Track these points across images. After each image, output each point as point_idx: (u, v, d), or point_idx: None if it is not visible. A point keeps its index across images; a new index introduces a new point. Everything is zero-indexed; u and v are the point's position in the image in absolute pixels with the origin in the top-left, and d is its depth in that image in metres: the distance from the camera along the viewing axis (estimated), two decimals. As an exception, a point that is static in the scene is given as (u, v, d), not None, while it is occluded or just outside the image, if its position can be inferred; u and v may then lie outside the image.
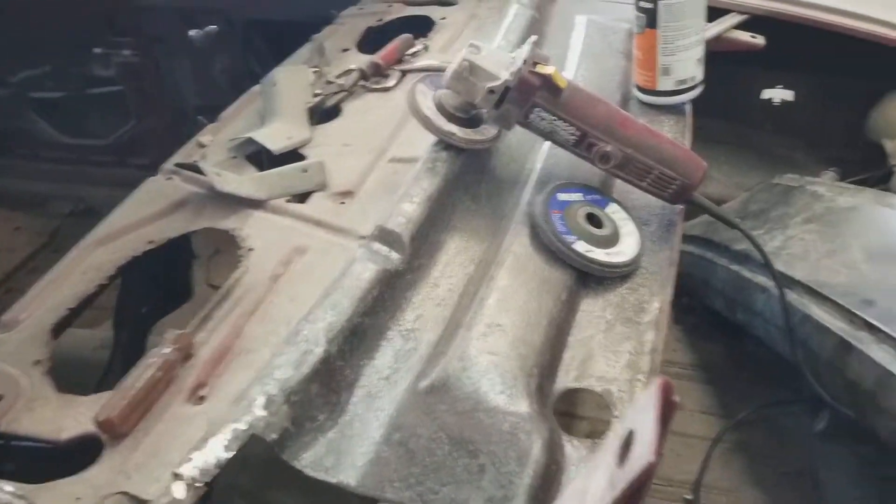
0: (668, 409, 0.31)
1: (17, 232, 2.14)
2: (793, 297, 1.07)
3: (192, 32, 1.80)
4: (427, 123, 0.81)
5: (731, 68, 1.73)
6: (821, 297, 1.03)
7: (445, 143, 0.82)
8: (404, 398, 0.61)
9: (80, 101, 2.10)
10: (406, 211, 0.73)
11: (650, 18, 0.98)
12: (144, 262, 0.84)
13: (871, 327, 0.93)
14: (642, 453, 0.30)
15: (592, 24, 1.25)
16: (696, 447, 1.22)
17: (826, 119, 1.76)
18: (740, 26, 1.47)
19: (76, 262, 0.84)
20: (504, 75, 0.78)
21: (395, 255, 0.70)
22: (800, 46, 1.54)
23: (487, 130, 0.84)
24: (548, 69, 0.78)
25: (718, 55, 1.48)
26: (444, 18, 1.36)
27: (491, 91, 0.78)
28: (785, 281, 1.11)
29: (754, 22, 1.48)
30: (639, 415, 0.32)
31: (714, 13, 1.46)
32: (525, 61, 0.78)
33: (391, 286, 0.68)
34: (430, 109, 0.82)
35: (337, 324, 0.62)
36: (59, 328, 0.75)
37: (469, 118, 0.83)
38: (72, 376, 0.70)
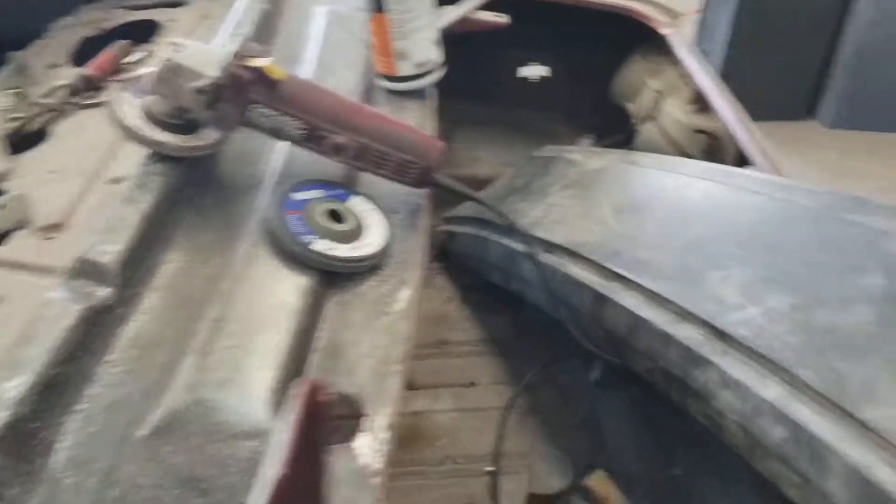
0: (315, 411, 0.28)
1: None
2: (554, 259, 1.12)
3: None
4: (131, 134, 0.72)
5: (491, 51, 1.80)
6: (577, 257, 1.08)
7: (159, 155, 0.74)
8: (122, 449, 0.53)
9: None
10: (113, 238, 0.64)
11: (377, 2, 0.96)
12: None
13: (619, 277, 0.99)
14: (275, 465, 0.26)
15: (333, 14, 1.22)
16: (493, 419, 1.24)
17: (579, 90, 1.89)
18: (485, 7, 1.52)
19: None
20: (212, 73, 0.71)
21: (101, 290, 0.61)
22: (547, 23, 1.62)
23: (208, 135, 0.77)
24: (260, 62, 0.73)
25: (475, 40, 1.52)
26: (172, 20, 1.25)
27: (199, 91, 0.71)
28: (546, 246, 1.15)
29: (498, 2, 1.54)
30: (283, 422, 0.28)
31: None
32: (235, 55, 0.72)
33: (97, 324, 0.59)
34: (135, 119, 0.73)
35: (27, 381, 0.52)
36: None
37: (184, 124, 0.76)
38: None
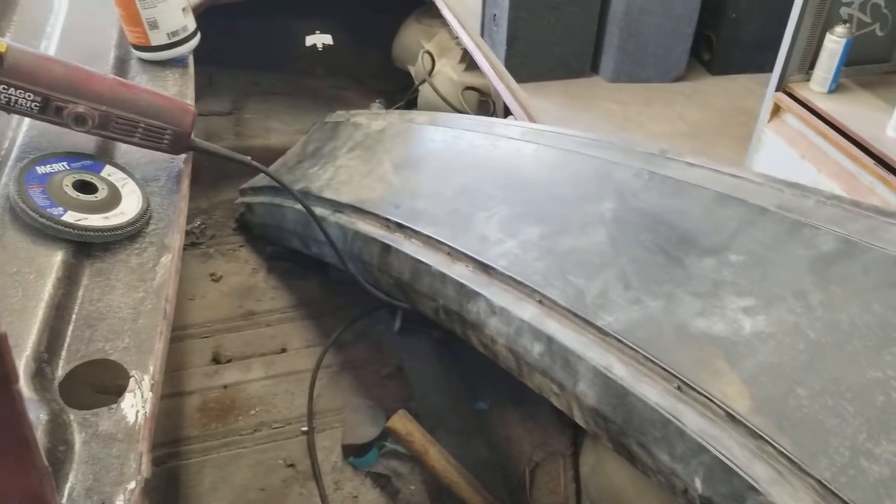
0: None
1: None
2: (344, 219, 1.16)
3: None
4: None
5: (277, 21, 1.79)
6: (363, 213, 1.13)
7: None
8: None
9: None
10: None
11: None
12: None
13: (400, 227, 1.06)
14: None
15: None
16: (307, 381, 1.27)
17: (365, 56, 1.93)
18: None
19: None
20: (-83, 47, 0.66)
21: None
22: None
23: (-69, 114, 0.72)
24: (-24, 36, 0.69)
25: (260, 11, 1.50)
26: None
27: None
28: (336, 206, 1.19)
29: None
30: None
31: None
32: (-59, 27, 0.67)
33: None
34: None
35: None
36: None
37: None
38: None
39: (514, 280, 0.89)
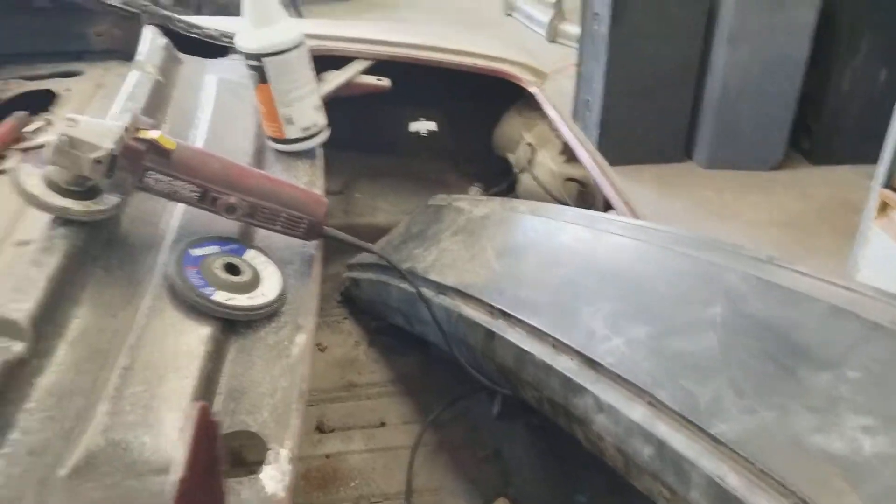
0: (206, 429, 0.35)
1: None
2: (448, 301, 1.21)
3: None
4: (35, 202, 0.77)
5: (386, 108, 1.92)
6: (467, 297, 1.17)
7: (63, 220, 0.79)
8: (44, 488, 0.57)
9: None
10: (22, 297, 0.68)
11: (261, 75, 1.05)
12: None
13: (505, 315, 1.09)
14: (175, 471, 0.33)
15: (223, 83, 1.29)
16: (404, 457, 1.30)
17: (464, 142, 2.03)
18: (368, 71, 1.63)
19: None
20: (107, 145, 0.77)
21: (16, 345, 0.65)
22: (433, 82, 1.75)
23: (108, 200, 0.82)
24: (152, 134, 0.79)
25: (371, 98, 1.63)
26: (68, 90, 1.29)
27: (97, 161, 0.77)
28: (440, 288, 1.25)
29: (382, 66, 1.66)
30: (180, 439, 0.35)
31: (340, 62, 1.61)
32: (127, 129, 0.78)
33: (14, 376, 0.63)
34: (37, 187, 0.78)
35: None
36: None
37: (86, 190, 0.81)
38: None
39: (623, 378, 0.89)
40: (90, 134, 0.78)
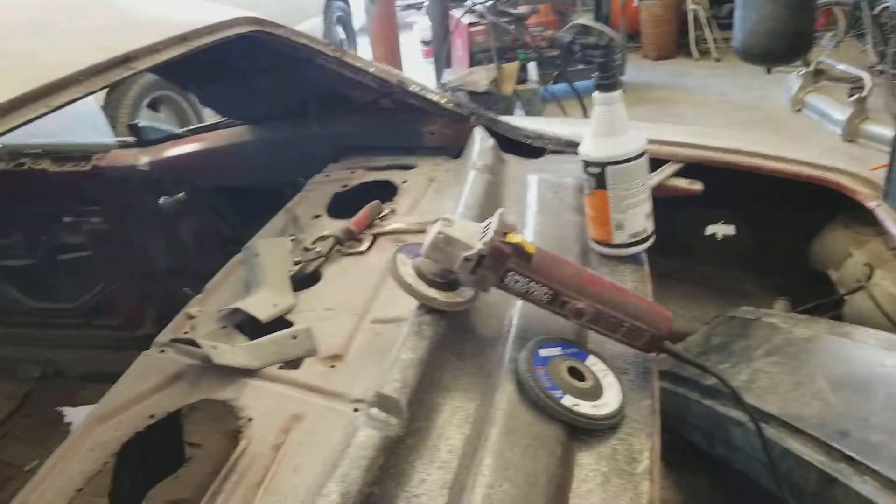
0: None
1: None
2: (769, 431, 1.10)
3: (161, 200, 1.86)
4: (411, 291, 0.86)
5: (675, 208, 1.88)
6: (796, 431, 1.06)
7: (427, 307, 0.87)
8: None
9: (50, 267, 2.12)
10: (400, 375, 0.76)
11: (599, 181, 1.08)
12: (167, 429, 0.84)
13: (850, 459, 0.97)
14: None
15: (543, 182, 1.36)
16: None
17: (767, 250, 1.89)
18: (678, 173, 1.61)
19: (80, 441, 0.84)
20: (478, 245, 0.84)
21: (393, 421, 0.72)
22: (735, 185, 1.68)
23: (465, 292, 0.89)
24: (517, 238, 0.85)
25: (664, 200, 1.61)
26: (405, 182, 1.45)
27: (467, 259, 0.84)
28: (759, 415, 1.14)
29: (689, 168, 1.63)
30: None
31: (653, 164, 1.61)
32: (496, 232, 0.84)
33: (394, 452, 0.70)
34: (411, 277, 0.87)
35: (349, 495, 0.63)
36: None
37: (447, 282, 0.89)
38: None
39: None
40: (463, 234, 0.85)
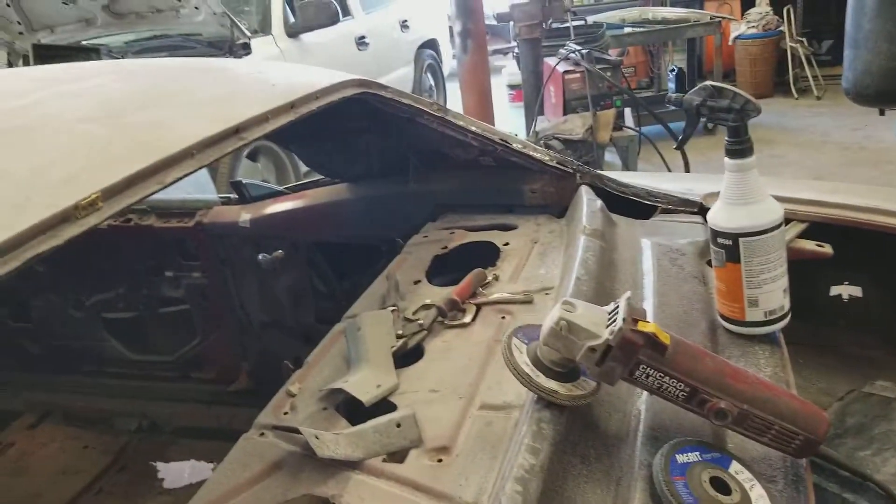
0: None
1: (85, 451, 2.14)
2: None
3: (260, 256, 1.88)
4: (528, 382, 0.79)
5: (796, 267, 1.73)
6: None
7: (545, 401, 0.79)
8: None
9: (150, 320, 2.17)
10: (521, 487, 0.68)
11: (731, 254, 0.98)
12: None
13: None
14: None
15: (658, 248, 1.27)
16: None
17: (896, 315, 1.72)
18: (803, 234, 1.48)
19: None
20: (605, 334, 0.76)
21: None
22: (863, 246, 1.53)
23: (587, 384, 0.81)
24: (649, 327, 0.77)
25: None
26: (507, 244, 1.39)
27: (592, 350, 0.76)
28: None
29: (813, 227, 1.49)
30: None
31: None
32: (625, 320, 0.76)
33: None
34: (527, 365, 0.81)
35: None
36: None
37: (567, 371, 0.81)
38: None
39: None
40: (587, 321, 0.78)
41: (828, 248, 1.45)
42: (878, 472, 1.12)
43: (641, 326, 0.77)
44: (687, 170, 3.26)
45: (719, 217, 0.99)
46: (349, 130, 1.61)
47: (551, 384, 0.79)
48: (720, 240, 0.99)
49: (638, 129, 3.81)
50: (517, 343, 0.84)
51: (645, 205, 1.51)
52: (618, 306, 0.79)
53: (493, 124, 4.51)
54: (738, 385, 0.77)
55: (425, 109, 1.46)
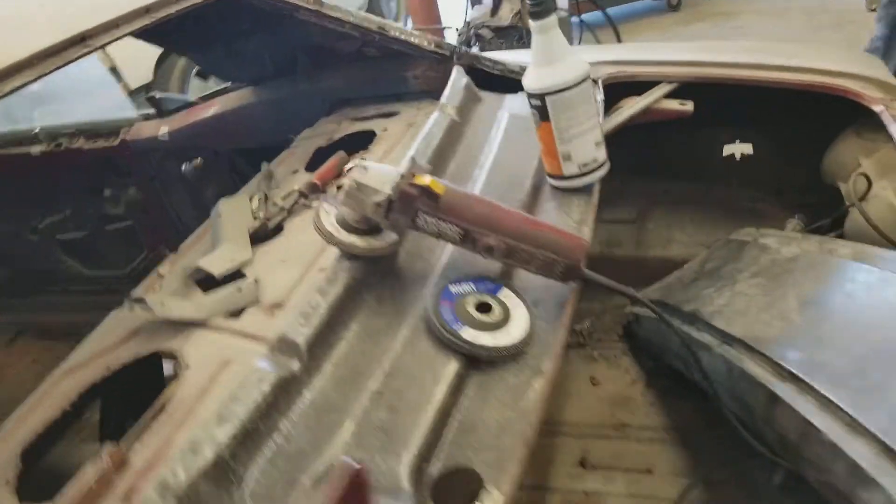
0: (356, 493, 0.37)
1: (58, 361, 2.31)
2: (731, 353, 1.09)
3: (183, 167, 1.98)
4: (329, 238, 0.90)
5: (691, 131, 1.81)
6: (752, 351, 1.04)
7: (349, 254, 0.91)
8: (291, 491, 0.67)
9: (100, 237, 2.30)
10: (306, 321, 0.81)
11: (542, 113, 1.07)
12: (122, 380, 0.95)
13: (794, 378, 0.95)
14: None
15: (513, 119, 1.35)
16: (670, 512, 1.21)
17: (787, 168, 1.79)
18: (673, 94, 1.55)
19: (48, 391, 0.95)
20: (386, 190, 0.87)
21: (293, 363, 0.78)
22: (750, 100, 1.60)
23: (388, 237, 0.93)
24: (425, 179, 0.87)
25: (676, 121, 1.55)
26: (385, 130, 1.48)
27: (377, 205, 0.87)
28: (724, 337, 1.13)
29: (692, 88, 1.55)
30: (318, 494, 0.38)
31: (644, 86, 1.55)
32: (403, 176, 0.87)
33: (287, 389, 0.75)
34: (332, 225, 0.91)
35: (231, 430, 0.69)
36: (28, 452, 0.85)
37: (371, 228, 0.92)
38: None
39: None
40: (375, 180, 0.88)
41: (689, 105, 1.52)
42: (710, 304, 1.24)
43: (418, 180, 0.87)
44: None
45: (529, 79, 1.07)
46: (238, 33, 1.67)
47: (351, 238, 0.90)
48: (532, 101, 1.07)
49: (568, 11, 3.76)
50: (326, 207, 0.94)
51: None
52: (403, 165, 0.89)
53: (439, 17, 4.47)
54: (504, 223, 0.87)
55: (301, 4, 1.51)
